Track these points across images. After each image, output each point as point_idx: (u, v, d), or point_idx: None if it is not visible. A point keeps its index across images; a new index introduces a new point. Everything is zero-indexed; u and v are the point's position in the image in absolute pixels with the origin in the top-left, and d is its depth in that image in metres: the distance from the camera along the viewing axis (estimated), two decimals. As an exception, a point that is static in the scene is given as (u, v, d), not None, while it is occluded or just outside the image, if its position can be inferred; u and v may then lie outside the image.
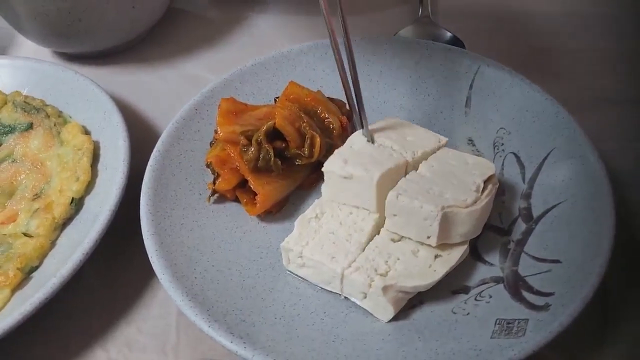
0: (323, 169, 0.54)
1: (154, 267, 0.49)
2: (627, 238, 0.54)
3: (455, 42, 0.74)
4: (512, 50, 0.75)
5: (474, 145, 0.62)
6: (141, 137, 0.65)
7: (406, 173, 0.53)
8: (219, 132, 0.56)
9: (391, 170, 0.53)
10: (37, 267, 0.53)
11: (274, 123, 0.55)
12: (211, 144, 0.60)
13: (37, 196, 0.58)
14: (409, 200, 0.49)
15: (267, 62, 0.67)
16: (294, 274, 0.52)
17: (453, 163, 0.54)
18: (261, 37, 0.79)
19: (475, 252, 0.53)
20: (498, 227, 0.55)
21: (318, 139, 0.55)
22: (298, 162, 0.56)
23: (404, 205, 0.49)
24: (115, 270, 0.56)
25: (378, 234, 0.52)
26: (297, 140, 0.56)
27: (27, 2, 0.66)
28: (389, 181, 0.52)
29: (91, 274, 0.55)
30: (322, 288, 0.51)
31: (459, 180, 0.52)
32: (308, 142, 0.56)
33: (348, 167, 0.52)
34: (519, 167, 0.58)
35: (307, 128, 0.56)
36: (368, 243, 0.51)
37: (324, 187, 0.55)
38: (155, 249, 0.50)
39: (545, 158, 0.57)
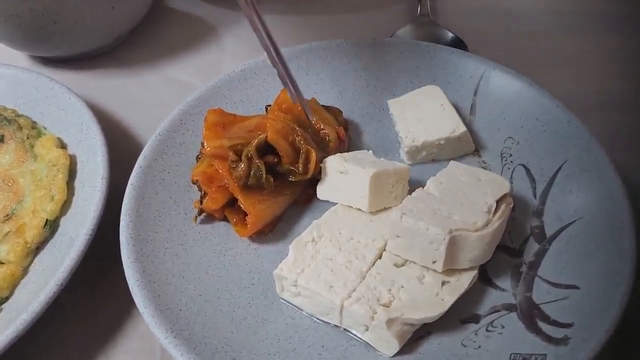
0: (322, 164, 0.53)
1: (135, 300, 0.45)
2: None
3: (457, 43, 0.70)
4: (517, 52, 0.71)
5: (479, 156, 0.58)
6: (122, 149, 0.61)
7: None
8: (205, 147, 0.51)
9: (388, 172, 0.50)
10: (7, 298, 0.49)
11: (266, 137, 0.51)
12: (197, 157, 0.55)
13: (7, 217, 0.53)
14: (414, 221, 0.45)
15: (257, 67, 0.62)
16: (288, 302, 0.48)
17: (463, 180, 0.50)
18: (251, 38, 0.74)
19: (485, 275, 0.49)
20: (508, 247, 0.51)
21: (313, 154, 0.51)
22: (292, 178, 0.52)
23: (408, 227, 0.45)
24: (94, 299, 0.51)
25: (380, 258, 0.48)
26: (290, 155, 0.51)
27: (-2, 4, 0.61)
28: (385, 184, 0.50)
29: (67, 303, 0.50)
30: (320, 320, 0.47)
31: (469, 199, 0.48)
32: (303, 157, 0.51)
33: (346, 163, 0.51)
34: (529, 180, 0.54)
35: (301, 142, 0.51)
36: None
37: (319, 185, 0.53)
38: (136, 279, 0.46)
39: (558, 171, 0.53)
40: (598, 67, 0.69)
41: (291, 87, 0.53)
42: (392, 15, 0.76)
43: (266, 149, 0.52)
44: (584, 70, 0.69)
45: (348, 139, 0.58)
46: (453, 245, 0.45)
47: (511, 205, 0.50)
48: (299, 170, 0.51)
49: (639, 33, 0.73)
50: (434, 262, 0.45)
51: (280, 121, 0.52)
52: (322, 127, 0.55)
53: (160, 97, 0.68)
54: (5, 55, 0.72)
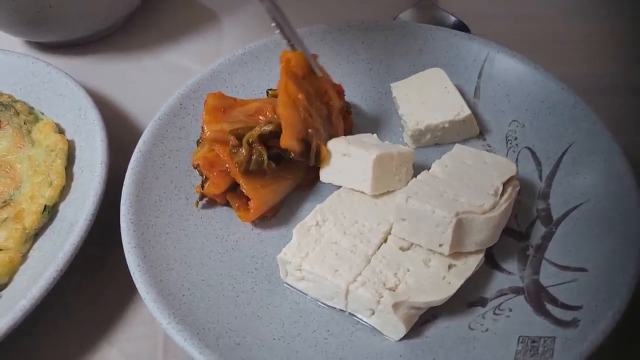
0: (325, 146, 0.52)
1: (137, 285, 0.44)
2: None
3: (460, 26, 0.69)
4: (521, 35, 0.69)
5: (484, 139, 0.57)
6: (121, 134, 0.60)
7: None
8: (205, 131, 0.50)
9: (392, 155, 0.50)
10: (6, 285, 0.48)
11: (271, 130, 0.50)
12: (198, 142, 0.55)
13: (5, 203, 0.52)
14: (420, 204, 0.44)
15: (258, 50, 0.61)
16: (292, 287, 0.47)
17: (469, 163, 0.49)
18: (251, 22, 0.74)
19: (491, 258, 0.48)
20: (515, 230, 0.50)
21: (324, 149, 0.50)
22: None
23: (414, 210, 0.45)
24: (95, 284, 0.51)
25: (385, 241, 0.47)
26: (301, 152, 0.50)
27: (-9, -12, 0.60)
28: (389, 166, 0.50)
29: (67, 289, 0.49)
30: (324, 304, 0.46)
31: (475, 182, 0.47)
32: (314, 151, 0.50)
33: (350, 146, 0.50)
34: (535, 163, 0.54)
35: (313, 137, 0.50)
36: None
37: (322, 168, 0.52)
38: (137, 264, 0.45)
39: (564, 154, 0.53)
40: (602, 50, 0.68)
41: (295, 39, 0.52)
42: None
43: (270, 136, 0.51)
44: (588, 54, 0.68)
45: (352, 122, 0.57)
46: (459, 228, 0.44)
47: (517, 188, 0.49)
48: (309, 163, 0.51)
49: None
50: (440, 245, 0.45)
51: (295, 116, 0.50)
52: (327, 90, 0.54)
53: (159, 82, 0.67)
54: (1, 41, 0.71)
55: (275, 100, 0.56)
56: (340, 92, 0.56)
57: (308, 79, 0.53)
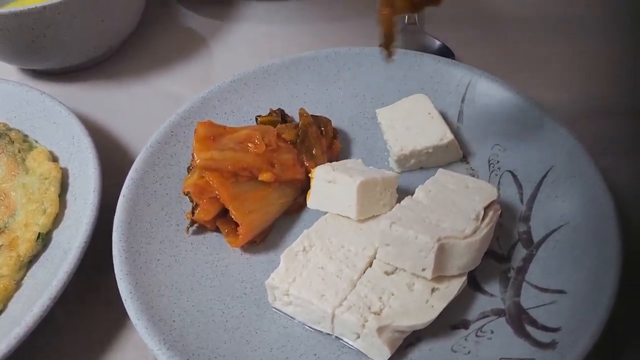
0: (311, 174, 0.53)
1: (128, 312, 0.45)
2: (631, 260, 0.51)
3: (445, 51, 0.70)
4: (503, 59, 0.72)
5: (468, 163, 0.59)
6: (114, 161, 0.61)
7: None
8: (196, 159, 0.52)
9: (376, 180, 0.51)
10: (0, 312, 0.49)
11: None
12: (188, 169, 0.56)
13: (0, 231, 0.53)
14: (403, 230, 0.46)
15: (247, 77, 0.63)
16: (280, 311, 0.48)
17: (451, 187, 0.51)
18: (241, 49, 0.75)
19: (474, 281, 0.50)
20: (497, 252, 0.51)
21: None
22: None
23: (397, 235, 0.46)
24: (88, 310, 0.52)
25: (370, 266, 0.48)
26: None
27: (-12, 20, 0.61)
28: (373, 192, 0.51)
29: (60, 314, 0.50)
30: (311, 328, 0.47)
31: (457, 207, 0.48)
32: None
33: (335, 173, 0.52)
34: (517, 186, 0.55)
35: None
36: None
37: (309, 195, 0.54)
38: (129, 291, 0.46)
39: (544, 177, 0.54)
40: (584, 73, 0.70)
41: None
42: (380, 24, 0.77)
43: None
44: (570, 76, 0.70)
45: (337, 148, 0.59)
46: (442, 252, 0.45)
47: (499, 212, 0.50)
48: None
49: (624, 38, 0.74)
50: (423, 269, 0.46)
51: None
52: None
53: (151, 108, 0.68)
54: (-5, 69, 0.72)
55: (265, 127, 0.58)
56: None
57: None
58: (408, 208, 0.48)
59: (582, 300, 0.45)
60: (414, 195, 0.50)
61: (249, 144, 0.54)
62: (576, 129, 0.58)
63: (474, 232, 0.47)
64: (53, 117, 0.60)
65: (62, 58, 0.69)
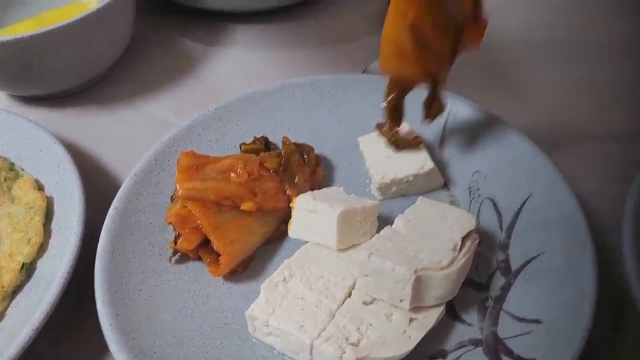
0: (292, 204, 0.54)
1: (108, 343, 0.46)
2: (609, 287, 0.52)
3: (428, 76, 0.71)
4: (485, 84, 0.73)
5: (448, 190, 0.59)
6: (100, 186, 0.62)
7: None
8: (178, 189, 0.53)
9: (356, 210, 0.52)
10: (-17, 343, 0.50)
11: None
12: (172, 198, 0.57)
13: (-16, 261, 0.54)
14: (381, 261, 0.46)
15: (232, 105, 0.64)
16: (260, 341, 0.49)
17: (431, 217, 0.52)
18: (228, 73, 0.76)
19: (452, 310, 0.50)
20: (475, 281, 0.52)
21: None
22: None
23: (375, 267, 0.47)
24: (70, 340, 0.52)
25: (349, 296, 0.49)
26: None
27: (-27, 48, 0.62)
28: (353, 221, 0.52)
29: (43, 345, 0.51)
30: (291, 358, 0.48)
31: (435, 237, 0.49)
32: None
33: (315, 202, 0.52)
34: (496, 214, 0.56)
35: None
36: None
37: (291, 224, 0.54)
38: (110, 323, 0.47)
39: (523, 205, 0.55)
40: (565, 98, 0.71)
41: None
42: (365, 49, 0.78)
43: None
44: (551, 102, 0.71)
45: (320, 175, 0.60)
46: (419, 284, 0.46)
47: (477, 242, 0.51)
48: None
49: (606, 63, 0.75)
50: (401, 300, 0.47)
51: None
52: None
53: (138, 133, 0.69)
54: (-17, 95, 0.73)
55: (248, 155, 0.58)
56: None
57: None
58: (387, 238, 0.49)
59: (557, 331, 0.45)
60: (393, 225, 0.51)
61: (232, 173, 0.55)
62: (556, 154, 0.59)
63: (451, 263, 0.47)
64: (39, 145, 0.61)
65: (50, 84, 0.70)
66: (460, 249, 0.49)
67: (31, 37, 0.62)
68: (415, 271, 0.46)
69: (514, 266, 0.52)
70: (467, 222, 0.51)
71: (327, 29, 0.76)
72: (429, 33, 0.48)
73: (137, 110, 0.72)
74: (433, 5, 0.47)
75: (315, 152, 0.61)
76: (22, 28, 0.74)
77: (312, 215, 0.52)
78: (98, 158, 0.67)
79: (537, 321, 0.47)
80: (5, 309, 0.52)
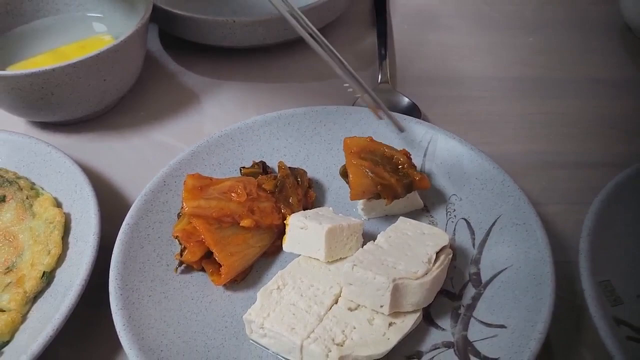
0: (286, 221, 0.60)
1: (122, 342, 0.51)
2: (569, 297, 0.58)
3: (412, 108, 0.78)
4: (465, 115, 0.80)
5: (428, 211, 0.66)
6: (112, 205, 0.68)
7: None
8: (184, 207, 0.59)
9: (342, 227, 0.58)
10: (8, 342, 0.55)
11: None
12: (178, 215, 0.63)
13: (8, 269, 0.60)
14: (364, 271, 0.53)
15: (233, 133, 0.70)
16: (256, 343, 0.55)
17: (409, 233, 0.58)
18: (230, 104, 0.83)
19: (428, 316, 0.56)
20: (450, 291, 0.58)
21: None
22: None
23: (358, 276, 0.53)
24: (86, 341, 0.57)
25: (336, 302, 0.55)
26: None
27: (1, 80, 0.68)
28: (340, 237, 0.58)
29: (61, 346, 0.56)
30: (284, 357, 0.53)
31: (413, 251, 0.55)
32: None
33: (306, 220, 0.58)
34: (470, 232, 0.62)
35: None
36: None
37: (285, 239, 0.60)
38: (123, 324, 0.52)
39: (493, 224, 0.61)
40: (534, 130, 0.78)
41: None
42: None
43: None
44: (525, 132, 0.78)
45: (312, 197, 0.66)
46: (397, 291, 0.52)
47: (450, 256, 0.57)
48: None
49: (572, 100, 0.82)
50: (381, 306, 0.53)
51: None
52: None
53: (147, 158, 0.75)
54: (6, 120, 0.80)
55: (247, 178, 0.65)
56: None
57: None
58: (369, 252, 0.55)
59: (519, 334, 0.51)
60: (375, 241, 0.57)
61: (232, 194, 0.61)
62: (524, 180, 0.66)
63: (426, 273, 0.53)
64: (58, 167, 0.67)
65: (67, 112, 0.76)
66: (435, 262, 0.55)
67: (53, 69, 0.68)
68: (394, 280, 0.52)
69: (484, 278, 0.58)
70: (441, 239, 0.57)
71: (321, 64, 0.83)
72: (384, 176, 0.62)
73: (145, 137, 0.78)
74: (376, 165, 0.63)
75: (307, 175, 0.67)
76: (41, 61, 0.80)
77: (303, 231, 0.58)
78: (111, 179, 0.73)
79: (502, 326, 0.53)
80: (28, 312, 0.57)
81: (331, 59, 0.63)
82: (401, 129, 0.67)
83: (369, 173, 0.62)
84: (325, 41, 0.64)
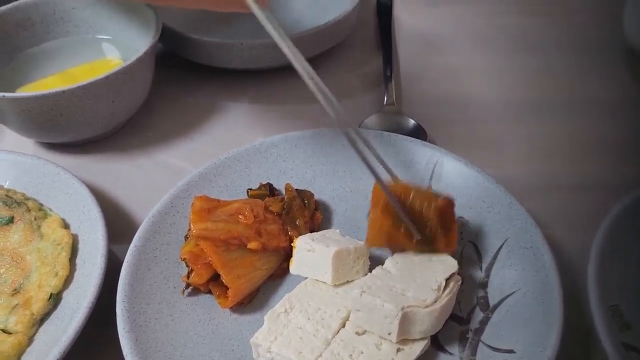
0: (293, 244, 0.60)
1: (129, 366, 0.51)
2: (577, 321, 0.58)
3: (418, 130, 0.79)
4: (470, 138, 0.80)
5: (435, 233, 0.66)
6: (119, 226, 0.68)
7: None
8: (192, 229, 0.59)
9: (349, 250, 0.58)
10: (14, 365, 0.55)
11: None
12: (185, 237, 0.63)
13: (16, 291, 0.60)
14: (372, 298, 0.52)
15: (240, 155, 0.71)
16: (263, 367, 0.55)
17: (417, 259, 0.58)
18: (237, 126, 0.84)
19: (436, 341, 0.56)
20: (458, 315, 0.58)
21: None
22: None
23: (366, 303, 0.53)
24: (92, 363, 0.57)
25: (343, 326, 0.55)
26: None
27: (12, 102, 0.69)
28: (347, 260, 0.58)
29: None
30: (290, 382, 0.53)
31: (422, 277, 0.55)
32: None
33: (313, 243, 0.58)
34: (477, 255, 0.62)
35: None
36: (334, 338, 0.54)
37: (292, 262, 0.60)
38: (130, 347, 0.52)
39: (500, 248, 0.61)
40: (540, 151, 0.78)
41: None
42: (363, 104, 0.85)
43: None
44: (530, 153, 0.78)
45: (319, 219, 0.66)
46: (405, 319, 0.52)
47: (459, 282, 0.57)
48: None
49: (578, 121, 0.82)
50: (389, 333, 0.52)
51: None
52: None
53: (154, 179, 0.76)
54: (15, 141, 0.80)
55: (254, 200, 0.65)
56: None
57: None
58: (377, 277, 0.55)
59: (528, 359, 0.51)
60: (384, 265, 0.57)
61: (240, 216, 0.61)
62: (531, 202, 0.66)
63: (435, 301, 0.53)
64: (66, 188, 0.67)
65: (75, 133, 0.77)
66: (444, 289, 0.55)
67: (63, 92, 0.69)
68: (402, 308, 0.51)
69: (492, 302, 0.58)
70: (451, 266, 0.57)
71: (327, 87, 0.83)
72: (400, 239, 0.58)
73: (152, 158, 0.79)
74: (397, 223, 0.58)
75: (314, 197, 0.68)
76: (50, 83, 0.81)
77: (310, 254, 0.58)
78: (118, 199, 0.73)
79: (510, 351, 0.53)
80: (34, 334, 0.57)
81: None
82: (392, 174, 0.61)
83: (385, 232, 0.58)
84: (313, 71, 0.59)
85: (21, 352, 0.56)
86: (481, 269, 0.61)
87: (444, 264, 0.57)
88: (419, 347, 0.53)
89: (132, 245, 0.61)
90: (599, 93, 0.87)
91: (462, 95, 0.88)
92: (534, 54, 0.96)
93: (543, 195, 0.71)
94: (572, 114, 0.84)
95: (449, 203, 0.59)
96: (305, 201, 0.66)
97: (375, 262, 0.59)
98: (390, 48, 0.95)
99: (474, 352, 0.54)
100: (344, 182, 0.70)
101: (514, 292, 0.57)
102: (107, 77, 0.71)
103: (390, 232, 0.58)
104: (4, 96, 0.68)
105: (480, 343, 0.55)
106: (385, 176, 0.59)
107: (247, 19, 0.61)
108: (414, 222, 0.58)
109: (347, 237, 0.62)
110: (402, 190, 0.59)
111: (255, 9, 0.53)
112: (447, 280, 0.56)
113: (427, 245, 0.58)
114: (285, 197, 0.66)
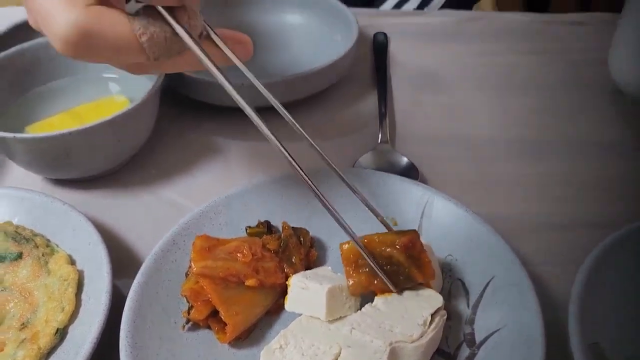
0: (288, 282, 0.63)
1: (131, 400, 0.54)
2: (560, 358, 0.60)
3: (411, 168, 0.82)
4: (461, 175, 0.83)
5: (424, 270, 0.68)
6: (123, 260, 0.71)
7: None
8: (193, 267, 0.62)
9: (342, 287, 0.61)
10: (21, 399, 0.58)
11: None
12: (186, 274, 0.66)
13: (23, 326, 0.62)
14: (362, 334, 0.55)
15: (239, 193, 0.74)
16: (259, 401, 0.57)
17: (405, 295, 0.61)
18: (236, 164, 0.87)
19: (425, 376, 0.58)
20: (445, 351, 0.60)
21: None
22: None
23: (357, 339, 0.55)
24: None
25: (336, 361, 0.58)
26: None
27: (21, 142, 0.73)
28: (340, 296, 0.61)
29: (72, 401, 0.59)
30: (285, 416, 0.56)
31: (408, 313, 0.58)
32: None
33: (307, 280, 0.61)
34: (464, 292, 0.65)
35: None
36: (326, 374, 0.56)
37: (287, 299, 0.63)
38: (132, 382, 0.55)
39: (487, 285, 0.64)
40: (528, 190, 0.81)
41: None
42: (357, 142, 0.88)
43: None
44: (518, 193, 0.81)
45: (314, 255, 0.69)
46: (393, 354, 0.54)
47: (444, 317, 0.60)
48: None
49: (566, 161, 0.85)
50: (379, 368, 0.55)
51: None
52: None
53: (157, 215, 0.79)
54: (23, 177, 0.84)
55: (252, 238, 0.68)
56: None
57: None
58: (367, 314, 0.58)
59: (510, 395, 0.54)
60: (373, 303, 0.60)
61: (238, 254, 0.64)
62: (518, 241, 0.69)
63: (421, 336, 0.56)
64: (72, 224, 0.70)
65: (81, 171, 0.80)
66: (430, 324, 0.58)
67: (70, 133, 0.72)
68: (390, 344, 0.54)
69: (478, 338, 0.60)
70: (436, 301, 0.60)
71: (323, 126, 0.86)
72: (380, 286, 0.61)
73: (155, 195, 0.82)
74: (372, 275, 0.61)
75: (310, 234, 0.71)
76: (57, 121, 0.84)
77: (304, 291, 0.61)
78: (121, 234, 0.76)
79: (495, 387, 0.55)
80: (41, 368, 0.60)
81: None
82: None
83: (363, 286, 0.61)
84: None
85: (29, 386, 0.58)
86: (468, 306, 0.64)
87: (430, 300, 0.60)
88: (407, 381, 0.56)
89: (135, 281, 0.63)
90: (587, 133, 0.90)
91: (455, 134, 0.91)
92: (525, 93, 0.99)
93: (530, 234, 0.74)
94: (561, 153, 0.87)
95: (412, 236, 0.62)
96: (301, 239, 0.69)
97: (367, 299, 0.62)
98: (385, 85, 0.99)
99: (460, 387, 0.57)
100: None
101: (499, 329, 0.60)
102: (113, 119, 0.74)
103: (368, 285, 0.61)
104: (14, 137, 0.72)
105: (467, 378, 0.57)
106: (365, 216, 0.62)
107: (247, 61, 0.64)
108: (387, 268, 0.60)
109: (338, 274, 0.65)
110: (369, 241, 0.62)
111: (213, 70, 0.57)
112: (433, 315, 0.59)
113: (406, 282, 0.61)
114: (282, 234, 0.69)
